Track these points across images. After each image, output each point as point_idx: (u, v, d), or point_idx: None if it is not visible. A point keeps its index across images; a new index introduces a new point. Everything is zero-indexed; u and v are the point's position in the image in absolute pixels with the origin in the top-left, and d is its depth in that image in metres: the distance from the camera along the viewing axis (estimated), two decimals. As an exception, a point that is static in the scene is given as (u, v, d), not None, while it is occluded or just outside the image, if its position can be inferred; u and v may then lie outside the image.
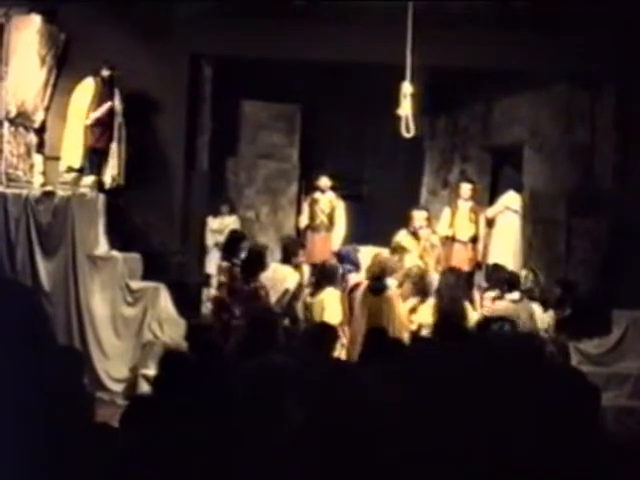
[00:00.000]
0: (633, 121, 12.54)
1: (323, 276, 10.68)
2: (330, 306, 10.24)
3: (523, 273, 11.25)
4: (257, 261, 10.57)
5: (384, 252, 11.40)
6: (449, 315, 9.97)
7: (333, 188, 13.81)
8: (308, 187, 14.59)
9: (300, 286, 11.46)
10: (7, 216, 11.89)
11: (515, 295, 10.36)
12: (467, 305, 10.48)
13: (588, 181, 13.18)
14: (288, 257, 11.16)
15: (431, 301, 10.59)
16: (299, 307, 10.77)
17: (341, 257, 11.86)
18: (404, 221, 12.73)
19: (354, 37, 12.26)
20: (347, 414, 3.86)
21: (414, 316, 10.47)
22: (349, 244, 12.97)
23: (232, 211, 14.48)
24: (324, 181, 13.74)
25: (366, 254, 11.90)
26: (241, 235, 11.89)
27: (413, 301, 10.59)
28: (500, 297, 10.49)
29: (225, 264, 11.05)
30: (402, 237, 12.34)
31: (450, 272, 11.09)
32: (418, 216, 12.60)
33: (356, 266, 11.36)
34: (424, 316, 10.46)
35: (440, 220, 13.64)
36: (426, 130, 15.28)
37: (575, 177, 13.28)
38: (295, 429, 3.90)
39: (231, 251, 11.16)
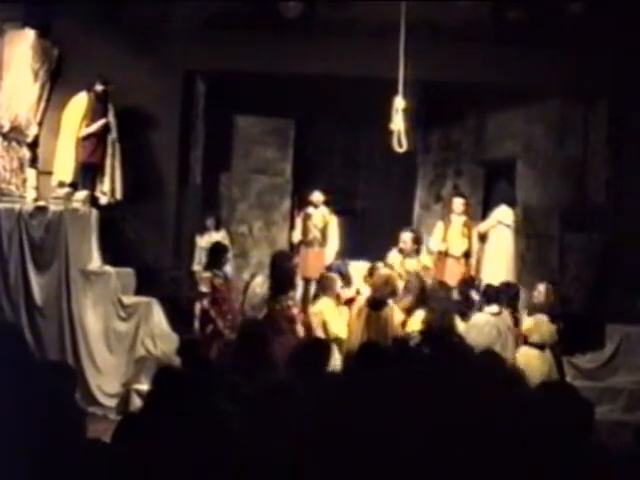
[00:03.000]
0: (626, 136, 12.58)
1: (319, 287, 10.68)
2: (330, 317, 10.21)
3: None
4: (287, 279, 10.48)
5: (382, 267, 11.40)
6: (440, 329, 9.98)
7: (326, 203, 13.81)
8: (301, 202, 14.57)
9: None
10: (0, 231, 11.87)
11: (494, 308, 10.38)
12: (457, 319, 10.49)
13: (581, 196, 13.20)
14: None
15: (420, 313, 10.58)
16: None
17: (332, 272, 11.85)
18: (397, 237, 12.72)
19: (347, 51, 12.30)
20: (343, 428, 3.86)
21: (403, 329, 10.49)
22: (342, 259, 12.96)
23: (219, 226, 14.36)
24: (317, 196, 13.73)
25: (359, 268, 11.90)
26: (223, 247, 11.83)
27: (402, 316, 10.59)
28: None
29: (207, 274, 11.01)
30: (394, 259, 12.35)
31: (440, 286, 11.10)
32: (403, 237, 12.55)
33: (347, 281, 11.35)
34: (413, 326, 10.47)
35: (433, 235, 13.66)
36: (419, 144, 15.28)
37: (568, 192, 13.30)
38: (291, 444, 3.90)
39: (214, 262, 11.12)
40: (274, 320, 9.97)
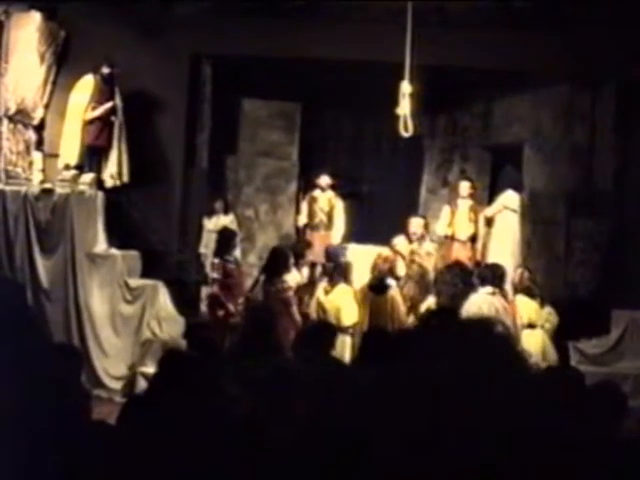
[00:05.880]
0: (633, 122, 12.54)
1: (336, 272, 10.61)
2: (345, 306, 10.18)
3: (519, 271, 11.28)
4: (281, 262, 10.48)
5: (384, 251, 11.42)
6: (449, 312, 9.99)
7: (332, 186, 13.80)
8: (307, 185, 14.57)
9: (301, 286, 11.46)
10: (6, 213, 11.88)
11: (488, 289, 10.38)
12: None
13: (587, 182, 13.18)
14: (296, 259, 11.19)
15: (432, 299, 10.59)
16: (312, 305, 10.70)
17: (330, 255, 11.83)
18: (403, 221, 12.70)
19: (354, 36, 12.25)
20: (344, 415, 3.85)
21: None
22: (348, 243, 12.96)
23: (227, 209, 14.38)
24: (325, 179, 13.72)
25: (365, 252, 11.89)
26: (232, 232, 11.86)
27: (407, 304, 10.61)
28: None
29: (218, 261, 11.04)
30: (400, 243, 12.29)
31: (447, 269, 11.10)
32: (414, 223, 12.46)
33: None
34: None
35: (439, 219, 13.65)
36: (426, 129, 15.26)
37: (575, 177, 13.28)
38: (294, 429, 3.89)
39: (223, 248, 11.15)
40: (269, 303, 10.01)
